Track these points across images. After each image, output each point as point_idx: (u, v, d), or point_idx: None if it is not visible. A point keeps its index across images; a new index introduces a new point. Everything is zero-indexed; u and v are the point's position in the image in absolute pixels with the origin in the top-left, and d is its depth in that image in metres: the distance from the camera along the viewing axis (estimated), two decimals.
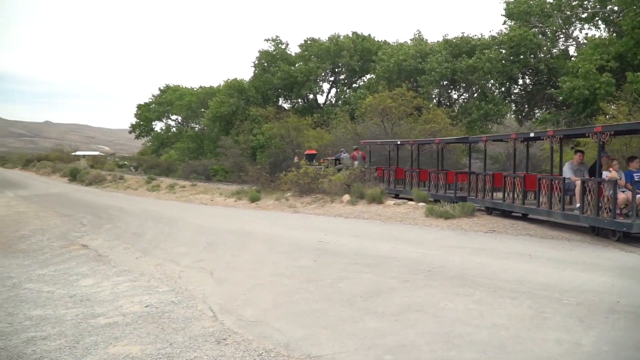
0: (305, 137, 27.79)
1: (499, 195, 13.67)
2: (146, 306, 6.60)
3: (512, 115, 31.05)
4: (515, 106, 30.18)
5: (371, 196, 15.75)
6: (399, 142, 19.58)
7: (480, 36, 28.98)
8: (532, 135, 13.18)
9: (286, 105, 39.20)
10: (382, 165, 20.58)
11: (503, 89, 29.18)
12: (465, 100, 30.07)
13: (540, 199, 11.73)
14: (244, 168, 27.01)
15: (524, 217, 12.94)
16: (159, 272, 8.73)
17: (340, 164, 20.54)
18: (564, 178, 11.18)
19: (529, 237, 10.59)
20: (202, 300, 6.79)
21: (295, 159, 24.83)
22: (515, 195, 12.77)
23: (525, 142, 13.92)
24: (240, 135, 34.15)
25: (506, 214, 13.21)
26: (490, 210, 13.72)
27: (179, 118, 54.54)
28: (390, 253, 9.06)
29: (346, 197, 16.58)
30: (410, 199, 15.86)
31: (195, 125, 51.83)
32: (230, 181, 30.99)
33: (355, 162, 20.37)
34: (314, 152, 24.13)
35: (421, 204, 14.69)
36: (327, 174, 18.70)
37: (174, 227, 13.72)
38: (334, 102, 38.29)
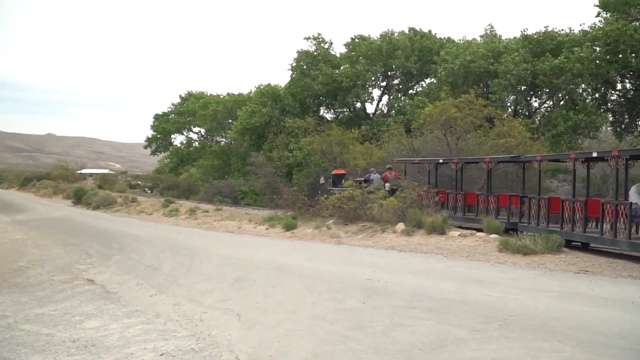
0: (351, 153, 27.85)
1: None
2: (161, 354, 6.70)
3: (609, 128, 30.24)
4: (613, 116, 29.42)
5: (431, 225, 15.61)
6: (440, 161, 20.09)
7: (568, 31, 28.56)
8: (594, 155, 13.71)
9: (329, 116, 39.55)
10: (444, 188, 20.71)
11: (597, 95, 28.52)
12: (549, 109, 29.55)
13: (604, 227, 12.31)
14: (278, 190, 27.26)
15: (590, 249, 13.23)
16: (176, 313, 8.86)
17: (369, 185, 20.31)
18: (631, 203, 11.71)
19: (632, 279, 10.22)
20: (227, 348, 6.84)
21: (322, 180, 24.93)
22: (575, 222, 13.34)
23: (586, 163, 14.37)
24: (274, 151, 34.58)
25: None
26: None
27: (202, 130, 55.82)
28: (455, 295, 8.92)
29: (400, 225, 16.49)
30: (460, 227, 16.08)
31: (221, 139, 52.88)
32: (262, 205, 31.35)
33: (387, 184, 20.22)
34: (342, 172, 24.15)
35: (493, 235, 14.46)
36: (376, 198, 18.65)
37: (195, 259, 13.93)
38: (385, 111, 38.34)
